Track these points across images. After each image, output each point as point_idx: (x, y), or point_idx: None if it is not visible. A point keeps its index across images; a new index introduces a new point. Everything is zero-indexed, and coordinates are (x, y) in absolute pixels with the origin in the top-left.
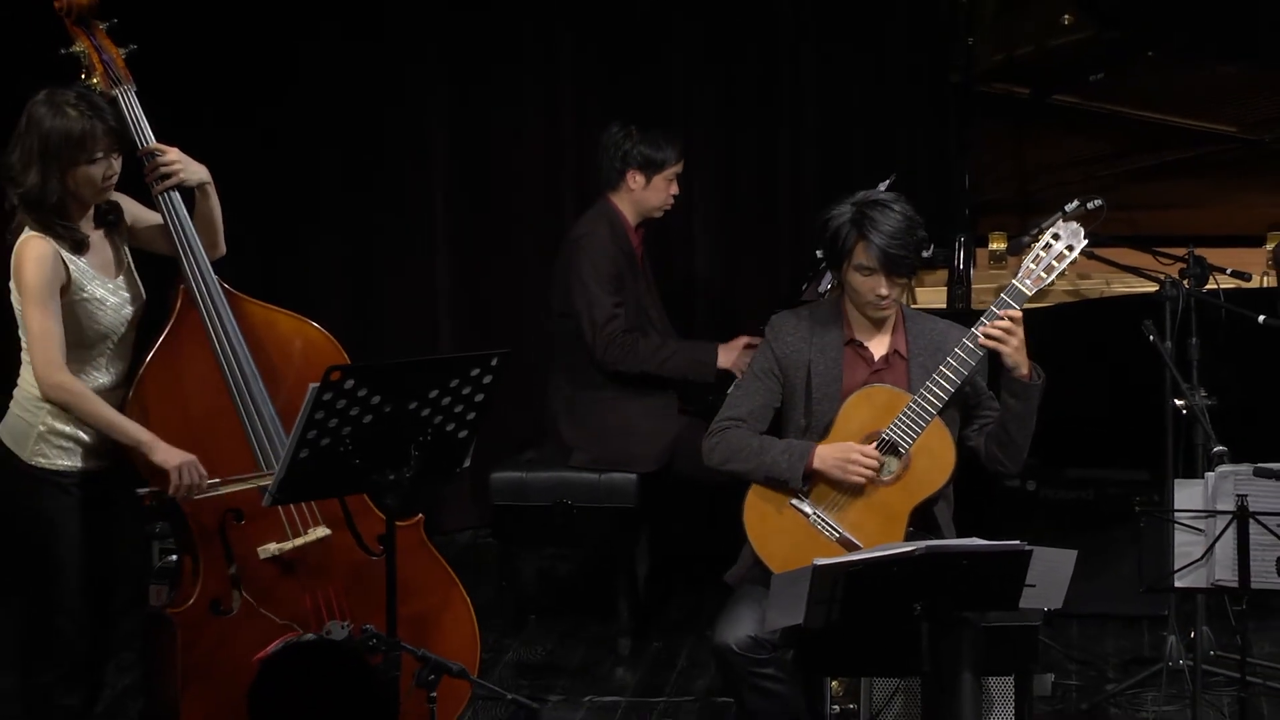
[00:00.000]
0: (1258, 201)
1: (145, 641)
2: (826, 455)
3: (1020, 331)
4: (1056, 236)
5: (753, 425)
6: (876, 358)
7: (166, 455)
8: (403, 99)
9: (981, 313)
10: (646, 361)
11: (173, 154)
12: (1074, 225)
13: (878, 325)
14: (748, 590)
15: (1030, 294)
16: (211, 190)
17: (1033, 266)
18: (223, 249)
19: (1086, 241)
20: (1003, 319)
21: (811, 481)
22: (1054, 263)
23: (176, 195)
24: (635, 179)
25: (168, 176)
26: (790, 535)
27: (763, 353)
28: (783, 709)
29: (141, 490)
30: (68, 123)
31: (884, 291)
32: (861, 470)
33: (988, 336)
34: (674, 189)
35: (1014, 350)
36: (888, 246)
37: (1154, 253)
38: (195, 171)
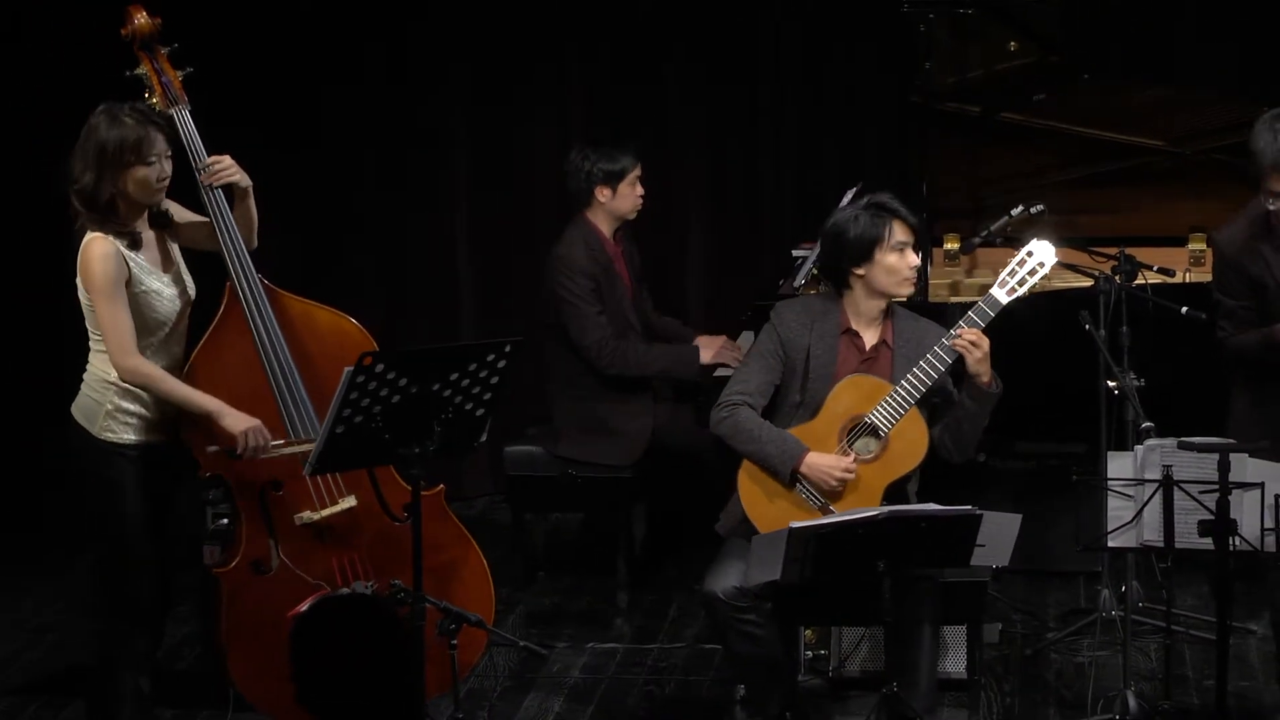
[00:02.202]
0: (1180, 206)
1: (203, 597)
2: (815, 464)
3: (985, 345)
4: (1030, 254)
5: (757, 400)
6: (868, 347)
7: (235, 420)
8: (431, 118)
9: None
10: (635, 365)
11: (227, 159)
12: (1046, 244)
13: (871, 318)
14: (734, 545)
15: (1005, 303)
16: (251, 194)
17: (1009, 279)
18: (255, 244)
19: (1056, 260)
20: (972, 333)
21: None
22: (1027, 276)
23: (222, 195)
24: (603, 193)
25: (221, 175)
26: (779, 502)
27: (768, 334)
28: (763, 651)
29: (211, 448)
30: (124, 130)
31: (915, 262)
32: (839, 484)
33: (959, 344)
34: (639, 190)
35: (978, 361)
36: (908, 218)
37: (1089, 252)
38: (243, 176)
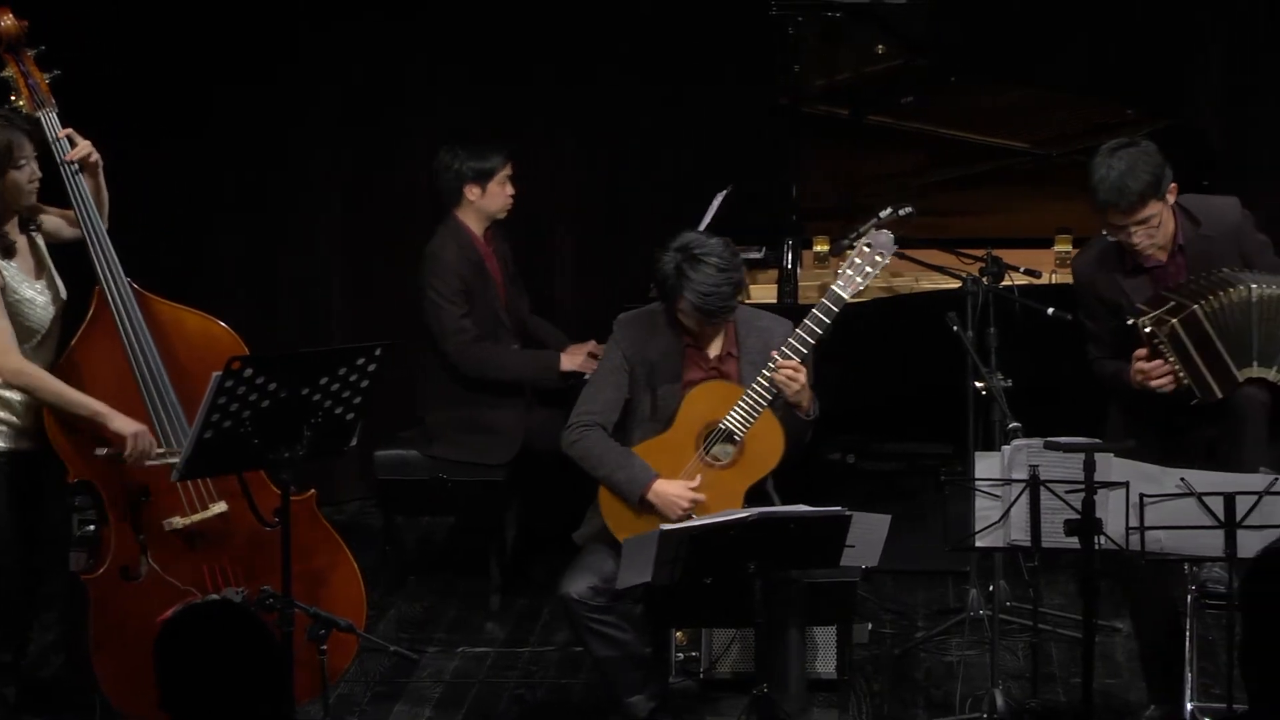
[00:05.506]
0: (1046, 208)
1: (67, 604)
2: (662, 492)
3: (802, 377)
4: (869, 245)
5: (608, 417)
6: (712, 357)
7: (123, 424)
8: (302, 121)
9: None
10: (493, 369)
11: (87, 144)
12: (886, 235)
13: (714, 333)
14: (592, 548)
15: (848, 297)
16: (101, 172)
17: (850, 273)
18: (105, 223)
19: (895, 249)
20: (789, 366)
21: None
22: (868, 268)
23: (83, 182)
24: (472, 191)
25: (81, 155)
26: (639, 513)
27: (611, 351)
28: (626, 653)
29: (101, 450)
30: None
31: (709, 331)
32: (686, 512)
33: (778, 378)
34: (509, 190)
35: (796, 392)
36: (703, 304)
37: (957, 253)
38: (95, 152)
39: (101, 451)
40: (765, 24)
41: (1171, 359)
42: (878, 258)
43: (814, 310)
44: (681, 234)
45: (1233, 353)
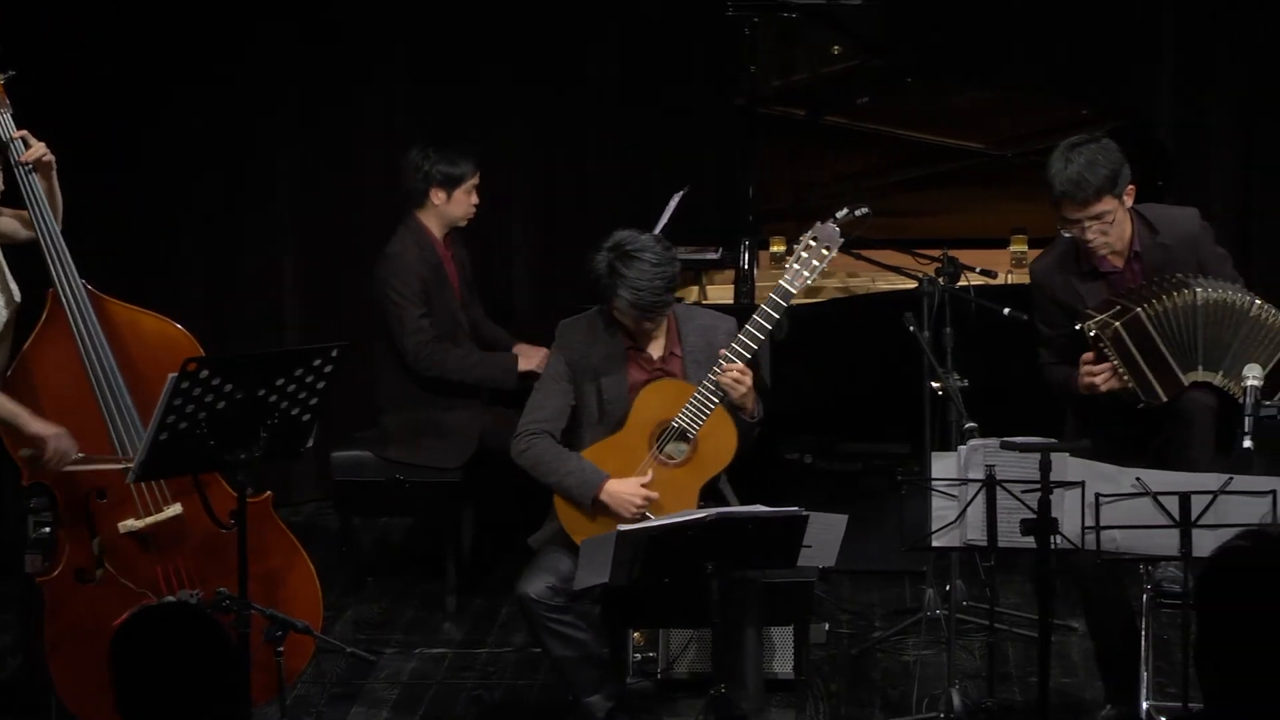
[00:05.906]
0: (1002, 209)
1: (24, 606)
2: (614, 492)
3: (749, 380)
4: (815, 239)
5: (555, 425)
6: (655, 358)
7: (40, 427)
8: (259, 123)
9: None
10: (454, 370)
11: (42, 145)
12: (830, 228)
13: (653, 331)
14: (548, 549)
15: (795, 292)
16: (54, 172)
17: (797, 267)
18: (59, 224)
19: (842, 241)
20: (735, 369)
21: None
22: (815, 262)
23: (37, 182)
24: (438, 195)
25: (34, 156)
26: (594, 516)
27: (554, 358)
28: (584, 653)
29: (24, 451)
30: None
31: (647, 326)
32: (640, 510)
33: (725, 380)
34: (474, 199)
35: (742, 395)
36: (638, 301)
37: (913, 254)
38: (48, 153)
39: (25, 453)
40: (722, 24)
41: (1116, 362)
42: (824, 251)
43: (762, 305)
44: (614, 233)
45: (1177, 356)
